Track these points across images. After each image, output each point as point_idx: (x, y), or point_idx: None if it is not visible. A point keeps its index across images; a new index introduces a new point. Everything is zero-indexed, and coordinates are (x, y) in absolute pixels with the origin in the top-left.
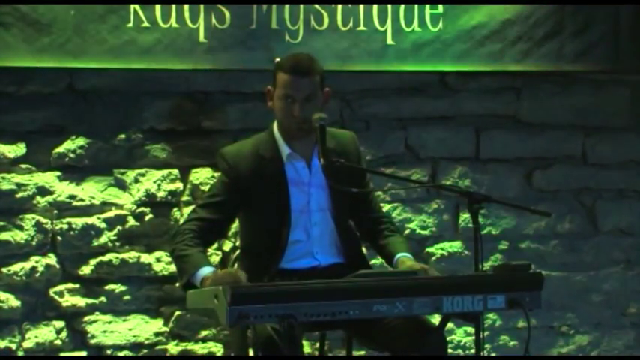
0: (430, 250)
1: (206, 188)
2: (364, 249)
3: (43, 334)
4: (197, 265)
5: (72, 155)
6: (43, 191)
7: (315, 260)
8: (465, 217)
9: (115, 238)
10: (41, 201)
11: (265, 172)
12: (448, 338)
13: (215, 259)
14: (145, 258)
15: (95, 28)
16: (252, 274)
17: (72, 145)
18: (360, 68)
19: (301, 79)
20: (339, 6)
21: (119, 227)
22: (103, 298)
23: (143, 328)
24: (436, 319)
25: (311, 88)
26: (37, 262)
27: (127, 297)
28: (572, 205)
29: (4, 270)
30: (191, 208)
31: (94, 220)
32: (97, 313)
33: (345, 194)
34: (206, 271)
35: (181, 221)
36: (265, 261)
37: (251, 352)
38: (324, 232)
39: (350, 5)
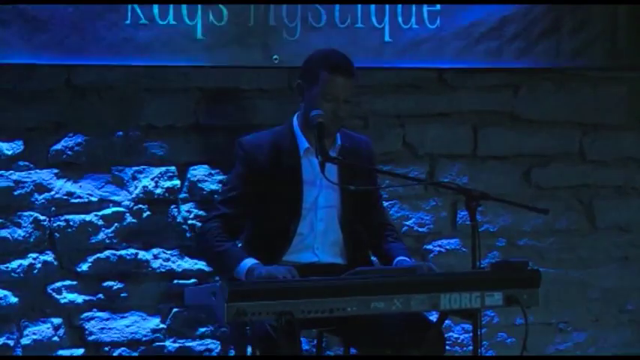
0: (428, 247)
1: (204, 185)
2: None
3: (41, 331)
4: (238, 259)
5: (70, 152)
6: (40, 188)
7: (315, 256)
8: (462, 214)
9: (112, 235)
10: (39, 198)
11: (281, 165)
12: (446, 335)
13: None
14: (143, 255)
15: (93, 25)
16: None
17: (70, 142)
18: (357, 65)
19: (347, 80)
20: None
21: (117, 224)
22: (100, 295)
23: (141, 325)
24: (434, 317)
25: (352, 89)
26: (34, 259)
27: (124, 294)
28: (569, 202)
29: (2, 267)
30: (189, 205)
31: (91, 217)
32: (95, 310)
33: (354, 195)
34: (249, 262)
35: (176, 216)
36: (270, 253)
37: (249, 349)
38: (328, 229)
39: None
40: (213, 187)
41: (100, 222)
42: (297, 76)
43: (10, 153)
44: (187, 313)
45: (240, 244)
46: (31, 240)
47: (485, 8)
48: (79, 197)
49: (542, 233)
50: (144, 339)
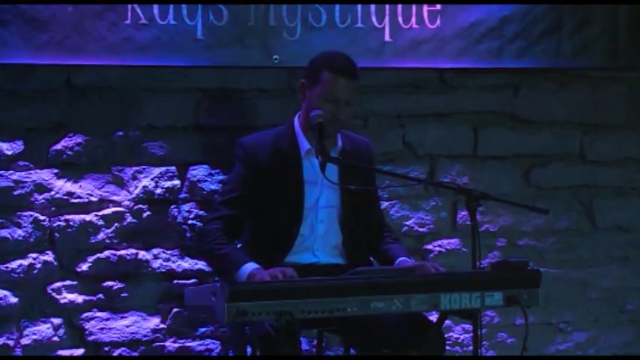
0: (428, 247)
1: (204, 185)
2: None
3: (41, 331)
4: (239, 263)
5: (70, 152)
6: (40, 188)
7: (315, 257)
8: (462, 214)
9: (112, 235)
10: (39, 198)
11: (282, 166)
12: (446, 335)
13: None
14: (143, 255)
15: (93, 25)
16: None
17: (70, 142)
18: (358, 65)
19: (350, 82)
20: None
21: (117, 224)
22: (100, 295)
23: (141, 325)
24: (434, 317)
25: (355, 91)
26: (34, 259)
27: (124, 294)
28: (570, 202)
29: (2, 267)
30: (189, 205)
31: (91, 217)
32: (95, 310)
33: (354, 196)
34: (250, 267)
35: (176, 216)
36: (270, 255)
37: (249, 349)
38: (329, 230)
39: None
40: (213, 187)
41: (100, 222)
42: (301, 75)
43: (10, 153)
44: (187, 313)
45: (240, 245)
46: (31, 240)
47: (485, 8)
48: (79, 197)
49: (542, 233)
50: (144, 339)
